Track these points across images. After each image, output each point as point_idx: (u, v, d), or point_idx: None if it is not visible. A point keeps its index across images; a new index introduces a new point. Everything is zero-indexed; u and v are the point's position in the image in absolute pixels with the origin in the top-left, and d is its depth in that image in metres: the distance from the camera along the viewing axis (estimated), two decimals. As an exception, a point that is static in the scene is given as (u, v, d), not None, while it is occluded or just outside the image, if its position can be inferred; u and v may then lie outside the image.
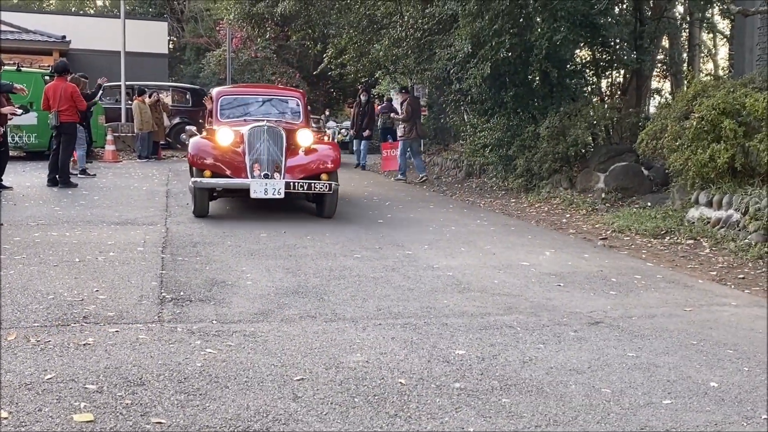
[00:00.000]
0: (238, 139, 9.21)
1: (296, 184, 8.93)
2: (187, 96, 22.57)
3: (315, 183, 9.00)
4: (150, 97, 18.32)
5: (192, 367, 3.88)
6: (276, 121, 9.88)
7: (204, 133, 10.46)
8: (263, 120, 9.60)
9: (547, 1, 12.17)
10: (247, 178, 8.98)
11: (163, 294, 5.41)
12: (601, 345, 4.55)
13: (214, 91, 11.07)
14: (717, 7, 17.68)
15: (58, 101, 11.65)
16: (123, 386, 3.57)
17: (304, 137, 9.52)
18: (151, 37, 27.91)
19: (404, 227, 9.12)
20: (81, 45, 25.16)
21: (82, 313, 4.80)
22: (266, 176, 8.94)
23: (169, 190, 11.85)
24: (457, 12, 13.45)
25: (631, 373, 4.04)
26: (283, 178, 8.99)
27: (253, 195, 8.83)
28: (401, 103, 15.89)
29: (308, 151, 9.42)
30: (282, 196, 8.85)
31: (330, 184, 9.05)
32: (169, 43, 33.46)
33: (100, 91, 14.95)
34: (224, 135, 9.26)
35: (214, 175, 8.99)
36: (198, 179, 8.97)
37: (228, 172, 9.07)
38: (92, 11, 44.58)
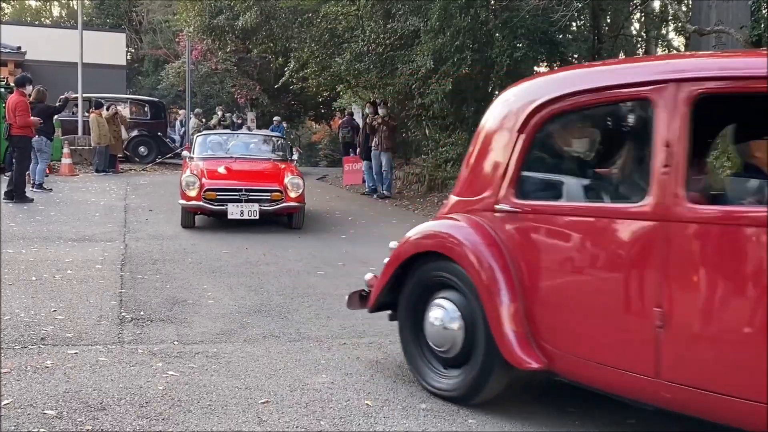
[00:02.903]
0: None
1: None
2: (146, 108, 22.31)
3: None
4: (108, 109, 18.05)
5: (154, 390, 3.81)
6: None
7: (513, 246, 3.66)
8: None
9: (507, 18, 12.34)
10: None
11: (122, 314, 5.32)
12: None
13: (521, 93, 3.94)
14: (672, 26, 18.09)
15: (12, 115, 11.45)
16: (83, 411, 3.49)
17: None
18: (109, 48, 27.54)
19: (367, 243, 9.08)
20: (37, 56, 24.69)
21: (40, 335, 4.69)
22: None
23: (127, 205, 11.67)
24: (418, 28, 13.54)
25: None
26: None
27: None
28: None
29: None
30: None
31: None
32: (127, 55, 33.07)
33: (65, 105, 14.77)
34: None
35: None
36: None
37: None
38: (48, 22, 43.94)
